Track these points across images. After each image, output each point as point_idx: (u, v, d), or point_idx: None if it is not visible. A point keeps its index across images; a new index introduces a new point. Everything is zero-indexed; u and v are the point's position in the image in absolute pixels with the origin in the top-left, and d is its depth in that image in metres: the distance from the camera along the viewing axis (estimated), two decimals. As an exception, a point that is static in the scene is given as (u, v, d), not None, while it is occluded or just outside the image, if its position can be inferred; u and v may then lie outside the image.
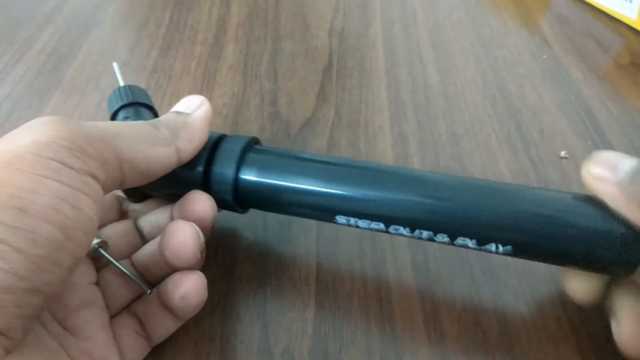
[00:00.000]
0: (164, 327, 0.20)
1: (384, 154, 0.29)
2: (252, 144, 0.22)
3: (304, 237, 0.25)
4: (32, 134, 0.15)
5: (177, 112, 0.21)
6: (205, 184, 0.21)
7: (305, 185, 0.20)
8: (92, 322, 0.19)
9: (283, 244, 0.25)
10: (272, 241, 0.25)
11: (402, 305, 0.22)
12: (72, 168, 0.15)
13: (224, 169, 0.21)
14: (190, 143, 0.20)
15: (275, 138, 0.30)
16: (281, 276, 0.23)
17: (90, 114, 0.31)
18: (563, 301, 0.22)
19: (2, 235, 0.13)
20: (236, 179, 0.21)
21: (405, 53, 0.36)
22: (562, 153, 0.29)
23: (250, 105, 0.32)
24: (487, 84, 0.33)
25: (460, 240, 0.19)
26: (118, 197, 0.24)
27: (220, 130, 0.30)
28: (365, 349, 0.21)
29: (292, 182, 0.20)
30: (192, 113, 0.21)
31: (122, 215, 0.24)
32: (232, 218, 0.25)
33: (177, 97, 0.33)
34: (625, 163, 0.18)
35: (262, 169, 0.21)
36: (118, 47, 0.37)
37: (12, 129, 0.16)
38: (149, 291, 0.20)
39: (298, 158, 0.21)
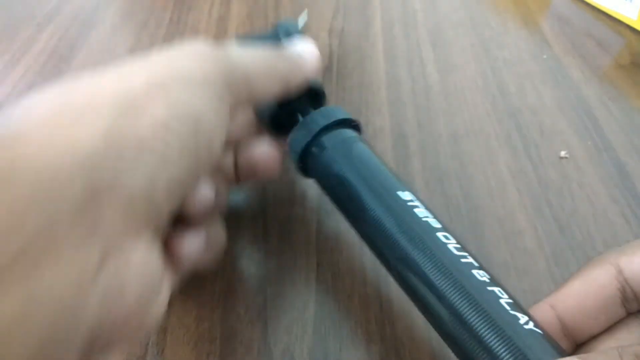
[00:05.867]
0: None
1: (384, 154, 0.29)
2: (348, 124, 0.23)
3: (304, 237, 0.25)
4: (199, 62, 0.17)
5: (297, 53, 0.22)
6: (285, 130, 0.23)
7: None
8: None
9: (283, 243, 0.25)
10: (272, 241, 0.25)
11: (402, 305, 0.22)
12: (224, 103, 0.18)
13: (303, 132, 0.22)
14: (297, 84, 0.22)
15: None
16: (281, 276, 0.23)
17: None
18: (563, 301, 0.22)
19: (182, 145, 0.16)
20: (310, 146, 0.22)
21: (405, 53, 0.36)
22: (562, 153, 0.29)
23: (250, 105, 0.32)
24: (487, 84, 0.33)
25: (496, 288, 0.17)
26: None
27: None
28: (365, 349, 0.21)
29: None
30: (308, 59, 0.22)
31: None
32: (232, 217, 0.25)
33: (177, 97, 0.33)
34: None
35: (335, 150, 0.21)
36: (118, 47, 0.37)
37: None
38: None
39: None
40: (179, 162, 0.16)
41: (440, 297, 0.17)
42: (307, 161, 0.22)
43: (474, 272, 0.17)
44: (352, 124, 0.23)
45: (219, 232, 0.21)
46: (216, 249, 0.21)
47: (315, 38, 0.38)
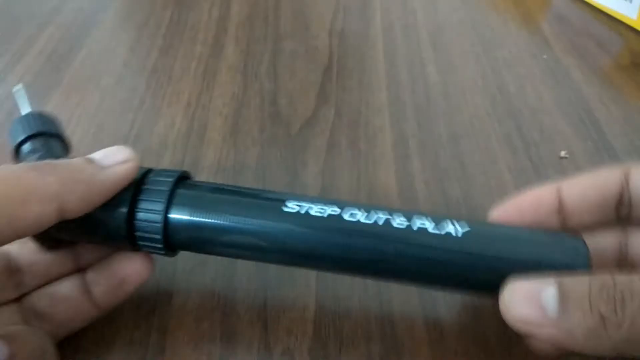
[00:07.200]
0: None
1: (384, 154, 0.29)
2: (181, 179, 0.20)
3: (304, 237, 0.25)
4: None
5: (90, 160, 0.18)
6: (130, 231, 0.18)
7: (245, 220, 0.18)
8: None
9: (283, 244, 0.24)
10: (272, 241, 0.25)
11: (402, 305, 0.22)
12: None
13: (150, 214, 0.18)
14: (84, 203, 0.17)
15: (275, 138, 0.30)
16: (281, 276, 0.23)
17: (90, 114, 0.31)
18: (563, 301, 0.22)
19: None
20: (166, 225, 0.18)
21: (405, 53, 0.36)
22: (562, 153, 0.29)
23: (250, 105, 0.32)
24: (487, 84, 0.33)
25: (417, 220, 0.18)
26: (4, 255, 0.19)
27: (220, 130, 0.30)
28: (365, 349, 0.21)
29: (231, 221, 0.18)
30: (108, 167, 0.18)
31: (10, 276, 0.19)
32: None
33: (177, 97, 0.33)
34: (547, 294, 0.15)
35: (194, 210, 0.18)
36: (118, 47, 0.37)
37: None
38: None
39: (231, 192, 0.20)
40: None
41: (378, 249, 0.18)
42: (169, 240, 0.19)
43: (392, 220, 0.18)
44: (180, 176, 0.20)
45: None
46: None
47: (315, 38, 0.38)
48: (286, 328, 0.21)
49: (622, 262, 0.19)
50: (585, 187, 0.19)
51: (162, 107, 0.32)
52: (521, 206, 0.20)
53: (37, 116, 0.22)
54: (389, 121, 0.31)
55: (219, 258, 0.24)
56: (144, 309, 0.22)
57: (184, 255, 0.24)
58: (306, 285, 0.23)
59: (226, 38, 0.38)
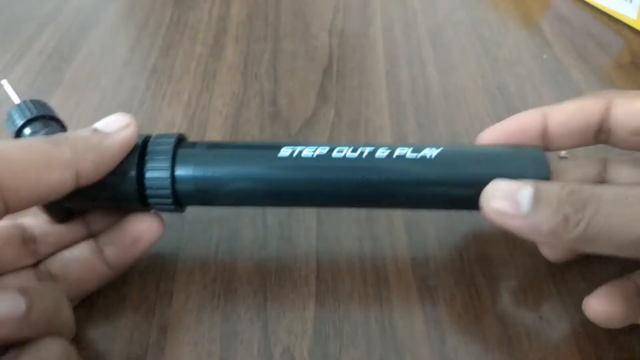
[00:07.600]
0: None
1: (384, 154, 0.29)
2: (180, 141, 0.21)
3: (304, 237, 0.25)
4: None
5: (95, 130, 0.19)
6: (140, 191, 0.20)
7: (248, 168, 0.20)
8: None
9: (283, 244, 0.25)
10: (272, 241, 0.25)
11: (402, 305, 0.22)
12: None
13: (157, 172, 0.20)
14: (96, 168, 0.18)
15: (275, 138, 0.30)
16: (281, 276, 0.23)
17: (90, 114, 0.31)
18: (563, 302, 0.22)
19: None
20: (173, 180, 0.20)
21: (405, 53, 0.36)
22: (562, 153, 0.29)
23: (250, 105, 0.32)
24: (487, 84, 0.33)
25: (400, 151, 0.20)
26: (19, 226, 0.20)
27: (220, 130, 0.30)
28: (365, 349, 0.21)
29: (232, 171, 0.20)
30: (111, 134, 0.19)
31: (26, 245, 0.20)
32: (231, 218, 0.25)
33: (177, 97, 0.33)
34: (523, 193, 0.17)
35: (197, 164, 0.20)
36: (118, 47, 0.37)
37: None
38: None
39: (230, 146, 0.21)
40: None
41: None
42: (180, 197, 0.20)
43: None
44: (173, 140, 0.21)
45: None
46: None
47: (315, 38, 0.38)
48: (286, 328, 0.21)
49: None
50: (569, 114, 0.21)
51: (162, 107, 0.32)
52: (508, 129, 0.21)
53: (31, 103, 0.22)
54: (389, 121, 0.31)
55: (219, 259, 0.24)
56: (144, 309, 0.22)
57: (184, 256, 0.24)
58: (306, 285, 0.23)
59: (226, 38, 0.38)
